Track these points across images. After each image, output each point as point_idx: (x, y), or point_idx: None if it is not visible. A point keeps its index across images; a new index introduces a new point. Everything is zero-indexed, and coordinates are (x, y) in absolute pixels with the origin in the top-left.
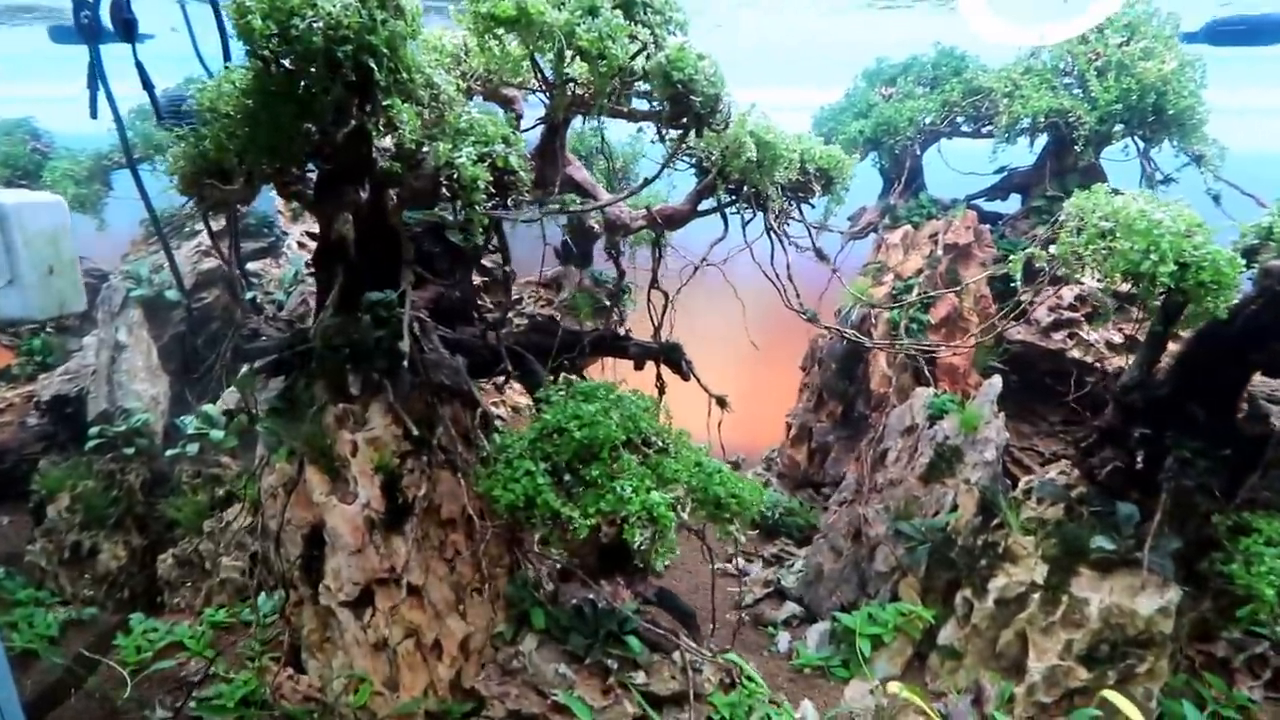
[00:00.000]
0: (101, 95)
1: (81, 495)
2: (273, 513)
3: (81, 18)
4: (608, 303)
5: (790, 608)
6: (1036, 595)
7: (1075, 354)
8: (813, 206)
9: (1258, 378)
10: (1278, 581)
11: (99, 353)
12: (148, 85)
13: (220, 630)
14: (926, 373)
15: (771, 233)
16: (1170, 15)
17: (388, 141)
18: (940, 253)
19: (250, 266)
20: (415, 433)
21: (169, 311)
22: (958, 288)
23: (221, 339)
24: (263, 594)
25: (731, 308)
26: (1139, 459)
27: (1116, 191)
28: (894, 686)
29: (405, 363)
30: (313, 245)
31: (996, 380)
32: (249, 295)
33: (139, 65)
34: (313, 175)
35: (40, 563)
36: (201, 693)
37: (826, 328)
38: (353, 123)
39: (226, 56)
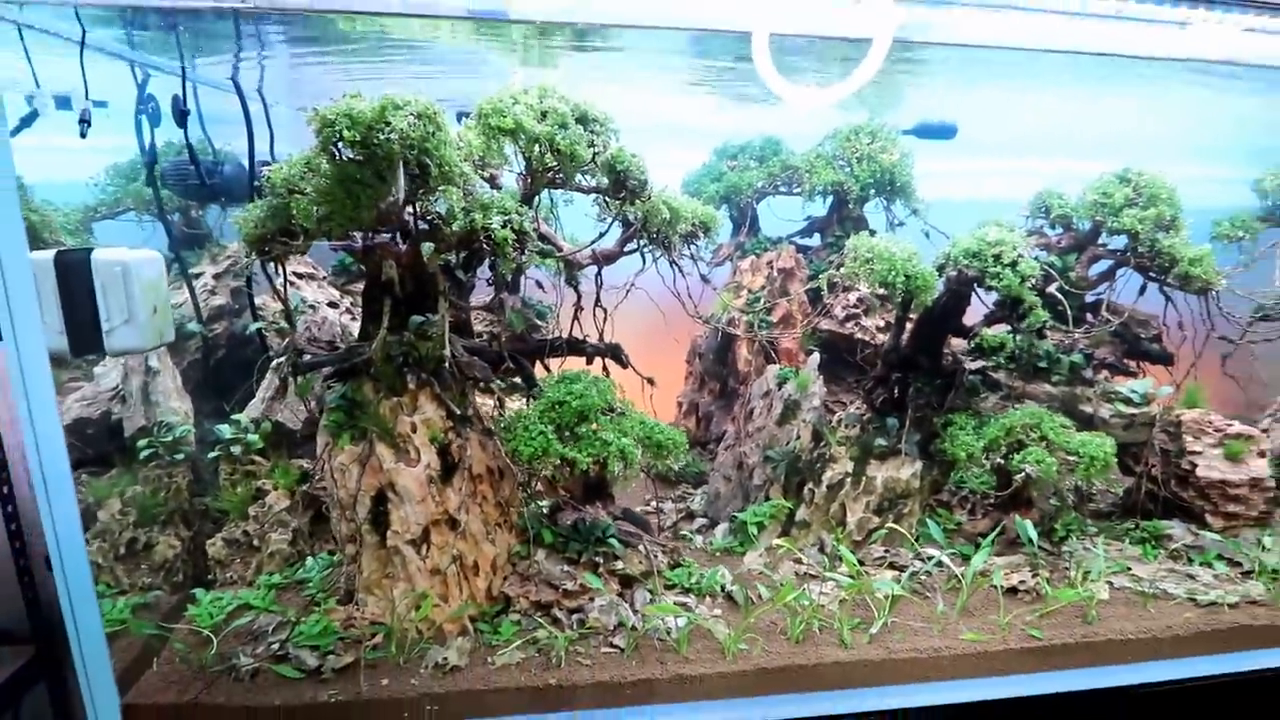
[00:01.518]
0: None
1: (133, 499)
2: (343, 484)
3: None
4: (538, 321)
5: (700, 521)
6: (848, 480)
7: (859, 336)
8: (700, 246)
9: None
10: (964, 449)
11: (129, 378)
12: (194, 159)
13: (279, 590)
14: (773, 355)
15: (674, 265)
16: (894, 128)
17: (421, 209)
18: (775, 274)
19: (257, 301)
20: (458, 412)
21: (185, 342)
22: (787, 297)
23: (229, 364)
24: (309, 559)
25: (637, 320)
26: (895, 392)
27: (872, 233)
28: (775, 541)
29: (445, 364)
30: (301, 283)
31: (815, 357)
32: (257, 326)
33: (189, 145)
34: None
35: (96, 560)
36: (281, 636)
37: (714, 325)
38: (402, 195)
39: (272, 149)
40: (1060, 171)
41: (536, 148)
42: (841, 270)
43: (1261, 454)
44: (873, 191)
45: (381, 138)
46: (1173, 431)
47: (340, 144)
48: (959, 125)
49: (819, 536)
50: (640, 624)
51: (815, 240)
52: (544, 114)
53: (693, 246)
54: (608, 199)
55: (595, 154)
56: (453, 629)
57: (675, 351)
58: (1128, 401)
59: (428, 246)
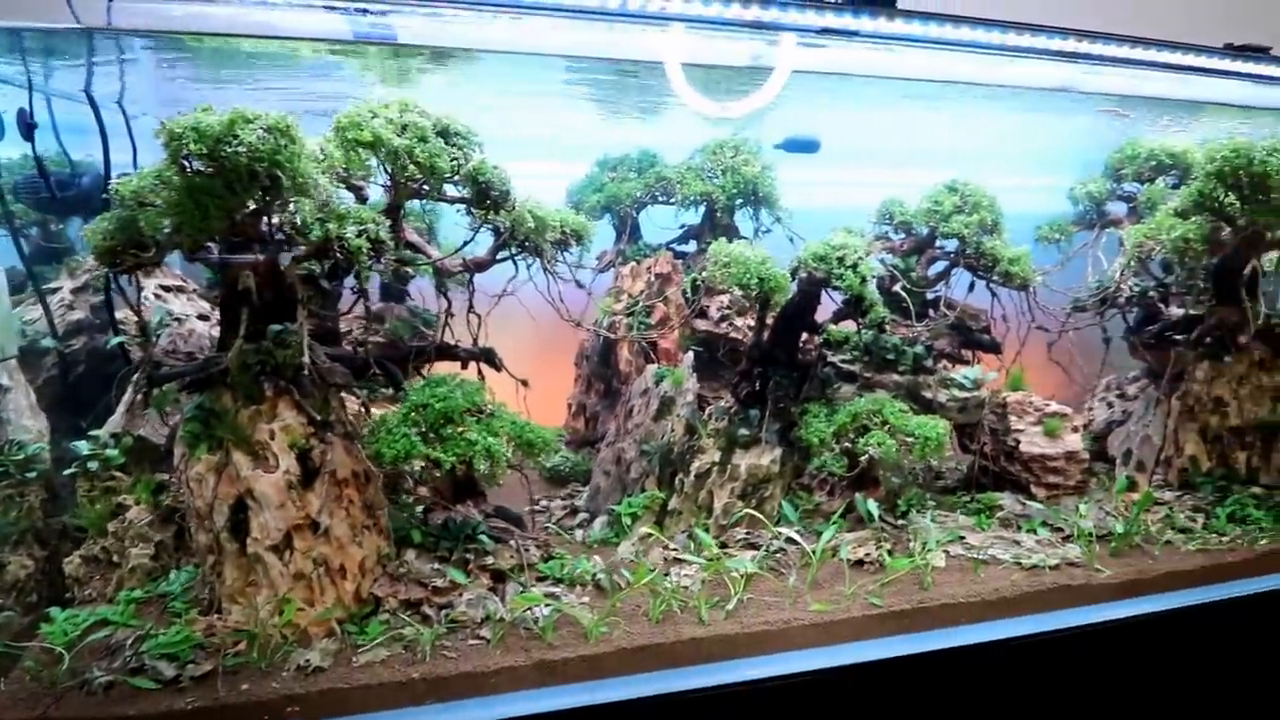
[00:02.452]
0: None
1: None
2: (200, 494)
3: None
4: (424, 328)
5: (582, 516)
6: (714, 468)
7: (733, 335)
8: (573, 253)
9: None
10: (817, 435)
11: None
12: (44, 172)
13: (140, 605)
14: (652, 355)
15: (547, 272)
16: (758, 140)
17: (277, 220)
18: (653, 279)
19: (119, 315)
20: (318, 418)
21: (40, 358)
22: (664, 300)
23: (90, 380)
24: (172, 572)
25: (525, 327)
26: (757, 385)
27: (742, 238)
28: (644, 531)
29: (304, 372)
30: (169, 296)
31: (690, 355)
32: (118, 340)
33: (37, 158)
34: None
35: None
36: (139, 648)
37: (591, 330)
38: (253, 205)
39: (135, 160)
40: (907, 182)
41: (396, 160)
42: (704, 274)
43: (1075, 430)
44: (739, 201)
45: (229, 151)
46: (1000, 412)
47: (188, 157)
48: (821, 141)
49: (689, 523)
50: (508, 615)
51: (692, 247)
52: (404, 127)
53: (567, 254)
54: (473, 209)
55: (458, 166)
56: (318, 632)
57: (570, 352)
58: (961, 387)
59: (286, 256)
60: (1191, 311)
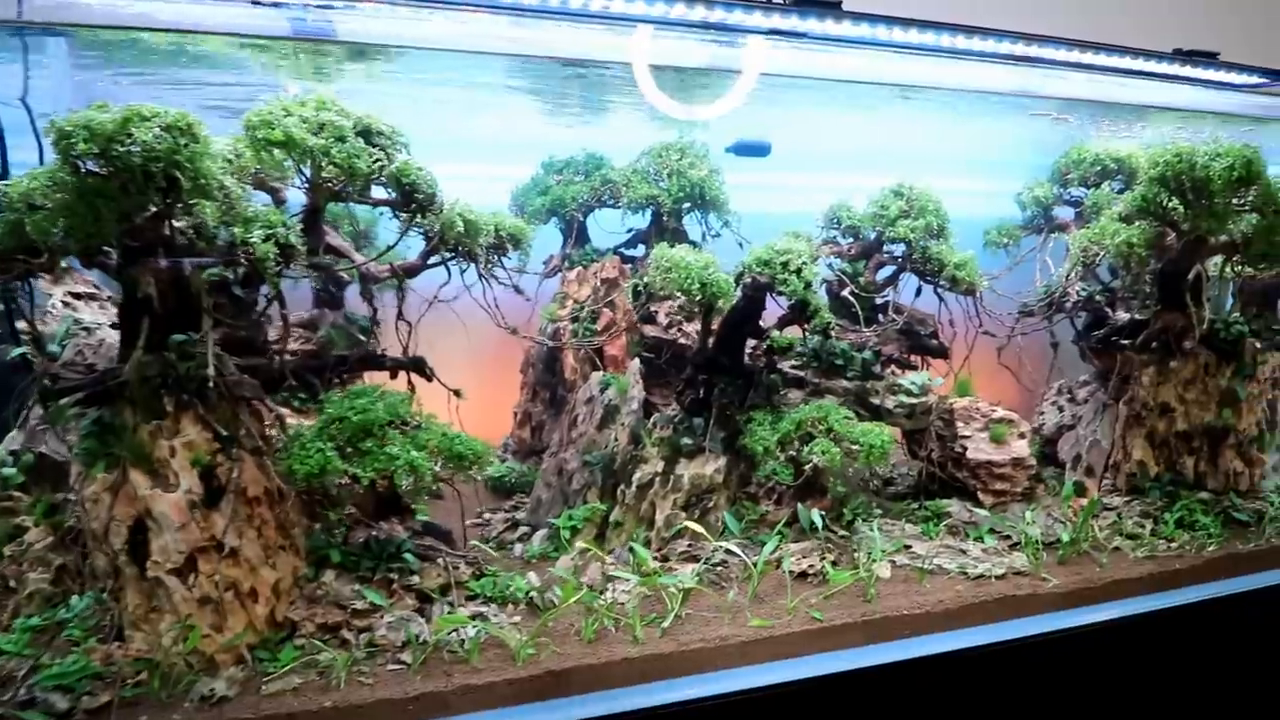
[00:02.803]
0: None
1: None
2: (95, 515)
3: None
4: (361, 336)
5: (522, 530)
6: (657, 479)
7: (682, 341)
8: (511, 258)
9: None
10: (761, 444)
11: None
12: None
13: (36, 633)
14: (599, 362)
15: (483, 278)
16: (704, 144)
17: (183, 223)
18: (600, 284)
19: (20, 325)
20: (224, 434)
21: None
22: (611, 306)
23: None
24: (74, 598)
25: (479, 335)
26: (702, 393)
27: (690, 243)
28: (580, 545)
29: (210, 384)
30: (79, 304)
31: (636, 362)
32: (19, 352)
33: None
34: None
35: None
36: (34, 679)
37: (525, 337)
38: (153, 209)
39: (41, 159)
40: (858, 186)
41: (311, 161)
42: (645, 280)
43: (1022, 436)
44: (686, 205)
45: (122, 150)
46: (947, 418)
47: (80, 157)
48: (773, 144)
49: (631, 536)
50: (431, 638)
51: (640, 251)
52: (321, 126)
53: (505, 259)
54: (398, 212)
55: (380, 166)
56: (227, 659)
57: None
58: (909, 393)
59: (188, 263)
60: (1137, 316)
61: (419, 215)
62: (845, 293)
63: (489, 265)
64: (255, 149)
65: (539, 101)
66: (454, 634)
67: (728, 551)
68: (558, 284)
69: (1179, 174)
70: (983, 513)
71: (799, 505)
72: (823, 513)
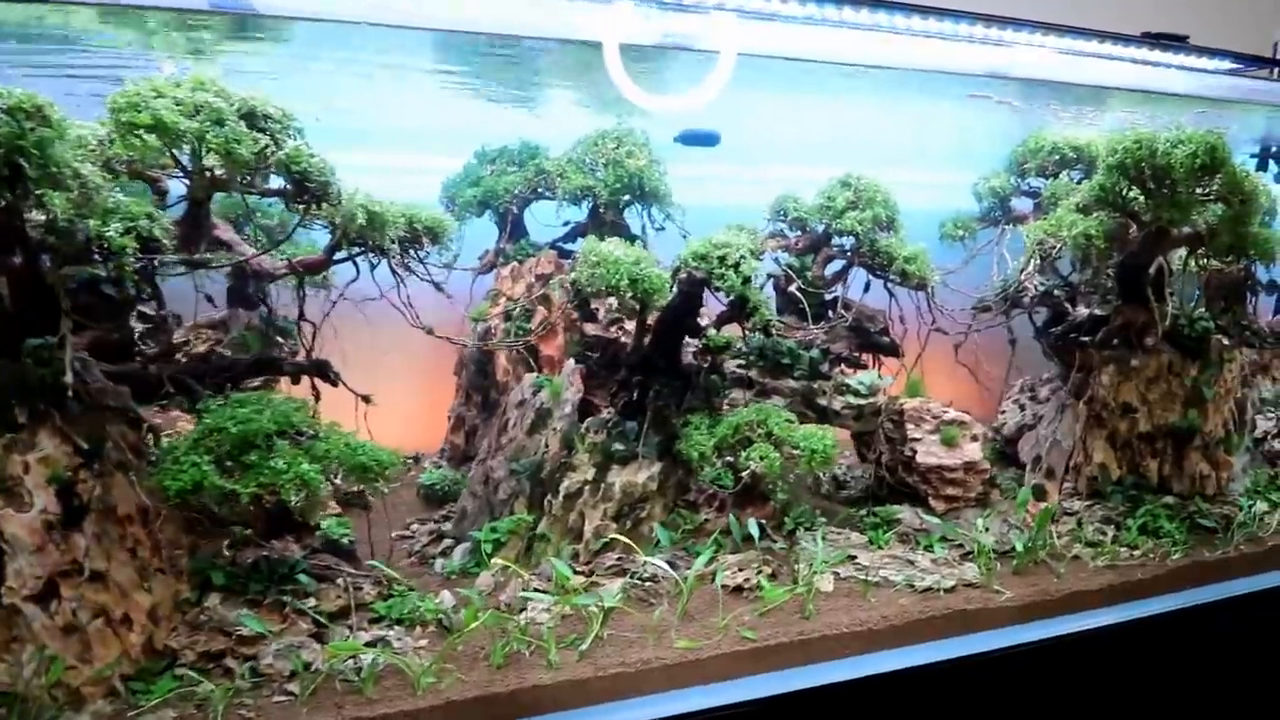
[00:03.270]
0: None
1: None
2: None
3: None
4: (279, 338)
5: (447, 543)
6: (586, 487)
7: (623, 339)
8: (431, 253)
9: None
10: (697, 449)
11: None
12: None
13: None
14: (533, 364)
15: (396, 274)
16: (643, 131)
17: (40, 217)
18: (534, 280)
19: None
20: (85, 447)
21: None
22: (547, 303)
23: None
24: None
25: (419, 335)
26: (636, 395)
27: (634, 236)
28: (499, 562)
29: (70, 393)
30: None
31: (571, 362)
32: None
33: None
34: None
35: None
36: None
37: (442, 338)
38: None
39: None
40: (809, 177)
41: (188, 147)
42: (573, 276)
43: (974, 438)
44: (625, 196)
45: None
46: (897, 420)
47: None
48: (721, 133)
49: (558, 549)
50: (324, 666)
51: (579, 245)
52: (197, 109)
53: (422, 253)
54: (291, 204)
55: (267, 153)
56: (95, 692)
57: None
58: (856, 393)
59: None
60: (1097, 312)
61: (315, 206)
62: (792, 288)
63: (404, 260)
64: (121, 134)
65: (475, 86)
66: (350, 661)
67: (657, 567)
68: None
69: (1139, 161)
70: (934, 520)
71: (733, 515)
72: (763, 522)
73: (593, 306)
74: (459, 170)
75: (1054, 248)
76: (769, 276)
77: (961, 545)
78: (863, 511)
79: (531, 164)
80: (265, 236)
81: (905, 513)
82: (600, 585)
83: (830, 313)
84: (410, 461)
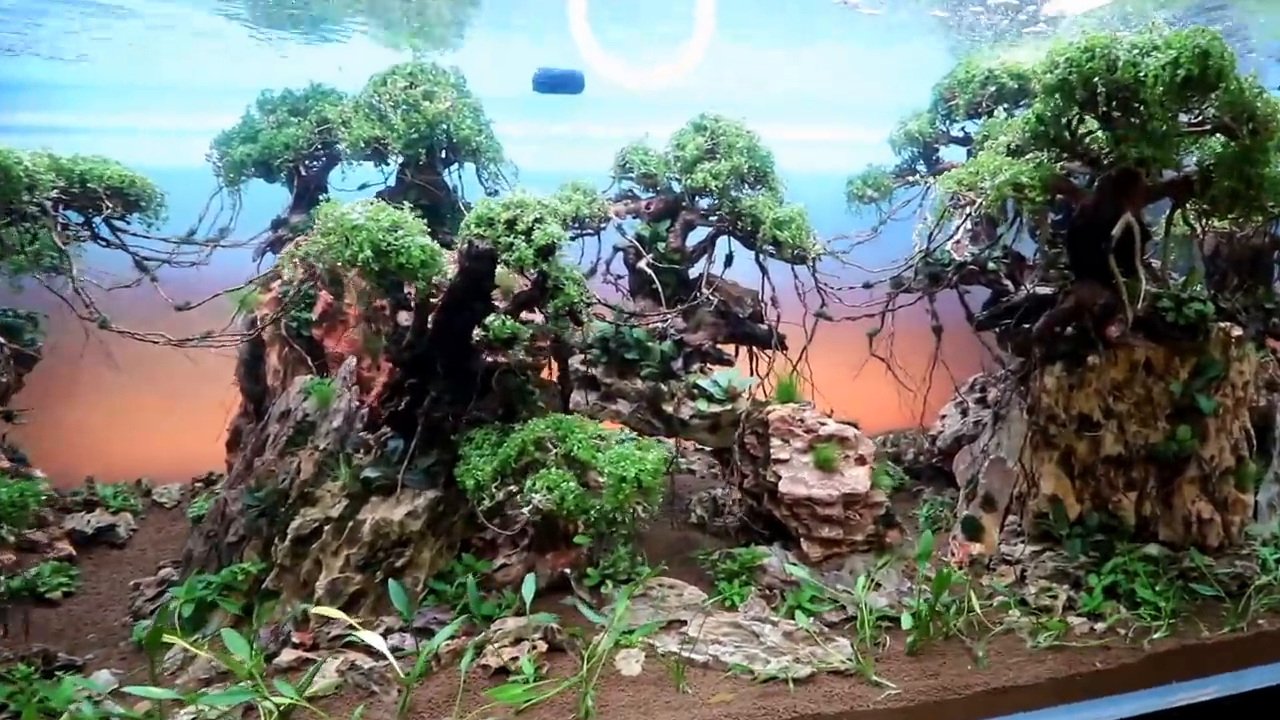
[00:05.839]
0: None
1: None
2: None
3: None
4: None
5: (169, 595)
6: (329, 526)
7: None
8: (131, 220)
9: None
10: (473, 476)
11: None
12: None
13: None
14: (311, 364)
15: (62, 250)
16: (454, 68)
17: None
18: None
19: None
20: None
21: None
22: (337, 288)
23: None
24: None
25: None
26: (405, 403)
27: (465, 205)
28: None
29: None
30: None
31: (351, 361)
32: None
33: None
34: None
35: None
36: None
37: (127, 334)
38: None
39: None
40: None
41: None
42: (304, 249)
43: (861, 461)
44: (422, 150)
45: None
46: (762, 433)
47: None
48: (584, 76)
49: (289, 612)
50: None
51: None
52: None
53: (120, 220)
54: None
55: None
56: None
57: None
58: (710, 397)
59: None
60: (1040, 290)
61: None
62: (642, 264)
63: (66, 232)
64: None
65: (244, 25)
66: None
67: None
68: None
69: (1090, 78)
70: (801, 572)
71: (526, 563)
72: (566, 571)
73: (406, 291)
74: (235, 124)
75: (971, 204)
76: (616, 250)
77: (844, 607)
78: (713, 555)
79: (314, 112)
80: None
81: (773, 557)
82: (320, 664)
83: (698, 294)
84: (200, 485)
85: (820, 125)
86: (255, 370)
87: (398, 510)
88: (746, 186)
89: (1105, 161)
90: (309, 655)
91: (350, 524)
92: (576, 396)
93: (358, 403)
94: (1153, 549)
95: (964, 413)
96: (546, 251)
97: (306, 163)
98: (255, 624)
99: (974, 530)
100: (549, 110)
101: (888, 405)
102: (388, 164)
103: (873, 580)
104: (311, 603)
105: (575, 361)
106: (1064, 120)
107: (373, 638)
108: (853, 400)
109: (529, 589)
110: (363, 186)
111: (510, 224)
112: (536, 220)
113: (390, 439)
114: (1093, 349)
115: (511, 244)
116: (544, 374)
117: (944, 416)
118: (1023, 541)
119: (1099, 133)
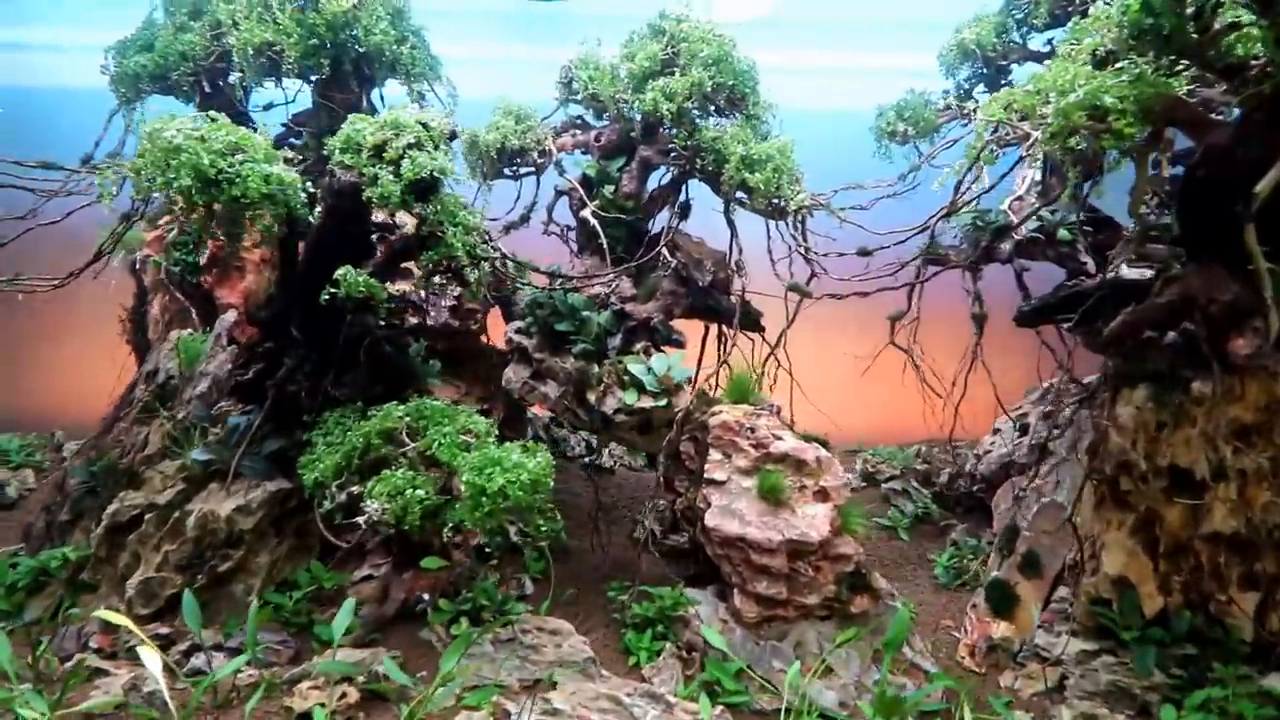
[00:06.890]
0: None
1: None
2: None
3: None
4: None
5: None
6: (151, 515)
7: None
8: None
9: None
10: (314, 470)
11: None
12: None
13: None
14: (196, 317)
15: None
16: None
17: None
18: None
19: None
20: None
21: None
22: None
23: None
24: None
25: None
26: (255, 371)
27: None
28: None
29: None
30: None
31: (231, 315)
32: None
33: None
34: None
35: None
36: None
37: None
38: None
39: None
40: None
41: None
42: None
43: (821, 494)
44: (325, 61)
45: None
46: (701, 440)
47: None
48: None
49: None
50: None
51: (304, 142)
52: None
53: None
54: None
55: None
56: None
57: None
58: (640, 387)
59: None
60: (1125, 274)
61: None
62: (585, 213)
63: None
64: None
65: None
66: None
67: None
68: None
69: None
70: (718, 641)
71: (380, 581)
72: (424, 595)
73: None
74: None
75: (1025, 140)
76: (559, 194)
77: (778, 692)
78: (627, 594)
79: (208, 16)
80: None
81: (705, 605)
82: (90, 689)
83: (667, 255)
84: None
85: (846, 49)
86: (142, 321)
87: (227, 504)
88: (714, 111)
89: (1253, 75)
90: (105, 665)
91: (176, 515)
92: (509, 373)
93: (230, 365)
94: (1276, 681)
95: (1023, 430)
96: (422, 188)
97: (208, 76)
98: (68, 620)
99: (1003, 602)
100: (511, 30)
101: (915, 411)
102: (285, 78)
103: (823, 663)
104: (123, 603)
105: (510, 330)
106: (1188, 6)
107: (151, 657)
108: (866, 404)
109: (342, 620)
110: (268, 106)
111: (378, 150)
112: (410, 146)
113: (236, 415)
114: (1203, 369)
115: (376, 176)
116: (482, 339)
117: (997, 431)
118: (1070, 632)
119: (1249, 28)
